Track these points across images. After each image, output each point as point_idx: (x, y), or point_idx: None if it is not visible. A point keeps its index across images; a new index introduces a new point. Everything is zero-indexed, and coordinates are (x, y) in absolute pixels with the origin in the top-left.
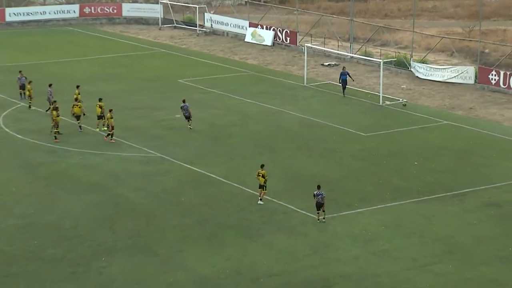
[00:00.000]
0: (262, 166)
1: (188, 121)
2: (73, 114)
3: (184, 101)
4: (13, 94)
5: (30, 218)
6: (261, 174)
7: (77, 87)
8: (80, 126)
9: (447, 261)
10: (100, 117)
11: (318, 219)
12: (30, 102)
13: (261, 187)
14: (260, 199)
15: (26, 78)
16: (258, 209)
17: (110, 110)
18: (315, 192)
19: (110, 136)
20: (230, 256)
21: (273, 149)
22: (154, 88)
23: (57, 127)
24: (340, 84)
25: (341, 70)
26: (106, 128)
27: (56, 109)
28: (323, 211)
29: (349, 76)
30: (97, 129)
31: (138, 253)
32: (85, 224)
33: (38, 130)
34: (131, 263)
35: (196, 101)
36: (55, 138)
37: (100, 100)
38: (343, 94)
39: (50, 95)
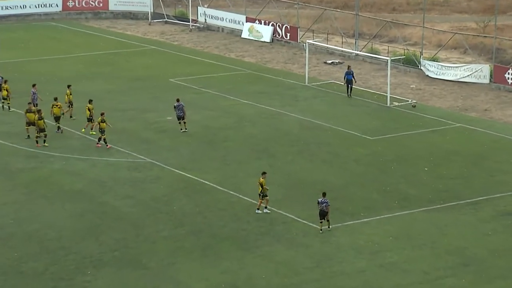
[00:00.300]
0: (263, 173)
1: (180, 122)
2: (53, 115)
3: (178, 100)
4: None
5: (10, 229)
6: (259, 183)
7: (68, 86)
8: (58, 127)
9: (461, 274)
10: (90, 119)
11: (321, 229)
12: (8, 103)
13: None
14: (258, 208)
15: (2, 77)
16: (256, 218)
17: (102, 114)
18: (319, 200)
19: (102, 140)
20: (226, 269)
21: (272, 153)
22: (143, 88)
23: (40, 131)
24: (345, 85)
25: (346, 70)
26: (95, 132)
27: (38, 112)
28: (327, 220)
29: (353, 77)
30: (83, 130)
31: (126, 266)
32: (69, 235)
33: (17, 133)
34: (118, 277)
35: (189, 102)
36: (37, 143)
37: (90, 101)
38: (348, 95)
39: (33, 95)
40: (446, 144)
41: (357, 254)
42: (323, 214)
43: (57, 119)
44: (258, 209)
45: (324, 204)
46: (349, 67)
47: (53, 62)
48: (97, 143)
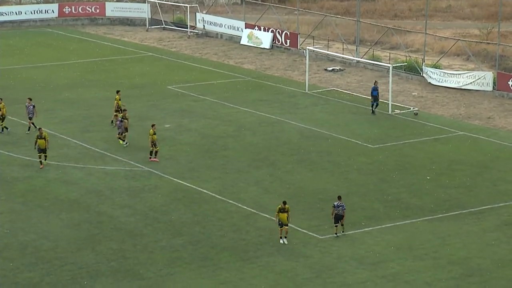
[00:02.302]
0: (284, 203)
1: (123, 136)
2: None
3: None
4: None
5: (5, 239)
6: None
7: (117, 92)
8: (4, 128)
9: (464, 285)
10: (126, 129)
11: (336, 233)
12: (1, 124)
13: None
14: (284, 237)
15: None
16: (255, 228)
17: (153, 125)
18: (335, 203)
19: (154, 154)
20: (225, 280)
21: (272, 162)
22: (141, 96)
23: (41, 152)
24: (372, 101)
25: (373, 85)
26: (125, 144)
27: (38, 130)
28: (342, 224)
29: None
30: (120, 142)
31: (123, 276)
32: (65, 245)
33: (13, 141)
34: (115, 287)
35: (187, 109)
36: (41, 164)
37: (124, 110)
38: (372, 111)
39: (28, 109)
40: (449, 152)
41: (358, 265)
42: (338, 218)
43: (2, 119)
44: (284, 238)
45: (340, 207)
46: (375, 82)
47: (48, 69)
48: (154, 157)
